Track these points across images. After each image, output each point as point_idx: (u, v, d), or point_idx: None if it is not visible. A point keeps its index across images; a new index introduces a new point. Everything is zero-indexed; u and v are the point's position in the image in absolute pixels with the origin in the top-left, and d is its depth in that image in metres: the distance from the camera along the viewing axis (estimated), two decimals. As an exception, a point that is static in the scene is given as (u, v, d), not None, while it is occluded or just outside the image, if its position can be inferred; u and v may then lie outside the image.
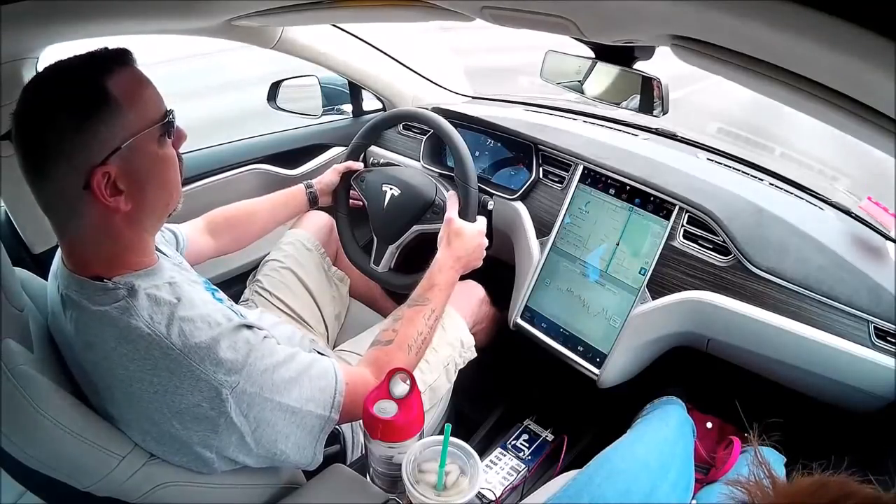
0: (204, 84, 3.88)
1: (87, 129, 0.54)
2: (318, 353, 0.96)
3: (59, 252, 0.63)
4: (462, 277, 1.00)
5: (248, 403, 0.61)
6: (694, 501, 0.80)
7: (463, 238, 0.96)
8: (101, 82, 0.55)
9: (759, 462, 0.39)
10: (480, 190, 1.14)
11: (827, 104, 0.40)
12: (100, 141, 0.55)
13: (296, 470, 0.75)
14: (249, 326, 0.65)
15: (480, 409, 1.29)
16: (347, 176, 1.17)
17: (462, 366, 1.06)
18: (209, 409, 0.58)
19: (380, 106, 1.47)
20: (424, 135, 1.31)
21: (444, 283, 0.90)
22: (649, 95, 0.85)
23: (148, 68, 0.60)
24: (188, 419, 0.58)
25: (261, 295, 1.11)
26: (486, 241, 1.00)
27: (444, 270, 0.91)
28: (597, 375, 1.00)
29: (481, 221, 1.01)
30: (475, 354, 1.08)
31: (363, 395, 0.66)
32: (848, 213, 1.02)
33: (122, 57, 0.58)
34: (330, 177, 1.15)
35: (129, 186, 0.58)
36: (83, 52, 0.58)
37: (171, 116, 0.61)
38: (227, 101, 3.61)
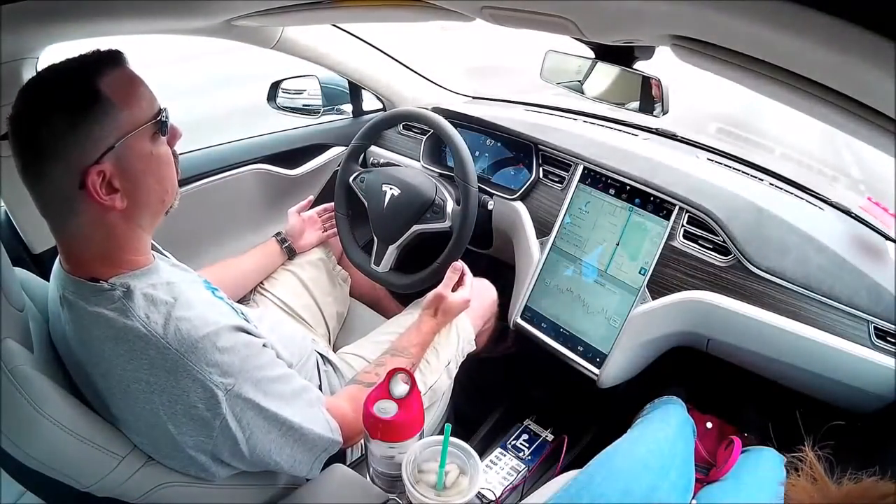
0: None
1: (80, 129, 0.55)
2: (320, 354, 0.97)
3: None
4: (475, 275, 1.08)
5: (242, 409, 0.61)
6: (694, 501, 0.80)
7: (451, 314, 1.01)
8: (94, 83, 0.56)
9: (811, 467, 0.42)
10: (480, 190, 1.14)
11: (827, 104, 0.40)
12: (93, 140, 0.56)
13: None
14: (249, 332, 0.65)
15: (480, 409, 1.29)
16: (347, 177, 1.18)
17: (462, 358, 1.07)
18: (204, 410, 0.58)
19: (380, 106, 1.47)
20: (424, 135, 1.31)
21: (426, 343, 0.98)
22: (649, 95, 0.85)
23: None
24: (184, 421, 0.58)
25: (262, 294, 1.11)
26: (468, 306, 1.04)
27: (427, 334, 0.98)
28: (597, 375, 1.00)
29: (467, 290, 1.04)
30: (475, 347, 1.09)
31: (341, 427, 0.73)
32: (848, 213, 1.02)
33: (114, 58, 0.59)
34: (293, 220, 1.17)
35: (124, 184, 0.58)
36: (76, 54, 0.58)
37: (164, 115, 0.62)
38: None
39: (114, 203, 0.58)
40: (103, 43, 0.61)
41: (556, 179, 1.14)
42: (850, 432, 0.96)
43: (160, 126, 0.61)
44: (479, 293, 1.14)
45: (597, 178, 1.06)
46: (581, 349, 1.04)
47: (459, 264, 1.04)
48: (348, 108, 1.45)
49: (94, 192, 0.56)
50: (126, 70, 0.59)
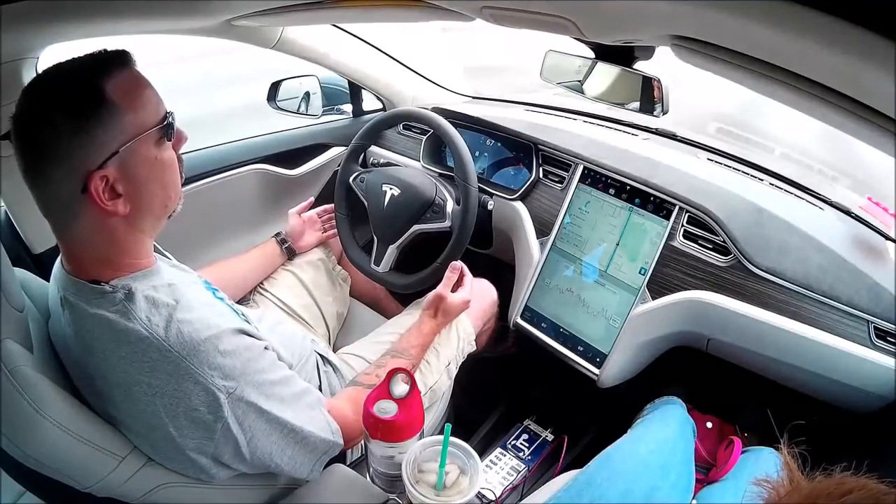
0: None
1: (84, 132, 0.54)
2: (319, 354, 0.97)
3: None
4: (475, 275, 1.07)
5: (244, 412, 0.61)
6: (694, 501, 0.80)
7: (451, 314, 1.01)
8: (99, 85, 0.55)
9: (786, 463, 0.42)
10: (480, 190, 1.14)
11: (827, 104, 0.40)
12: (98, 145, 0.55)
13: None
14: (250, 334, 0.65)
15: (480, 409, 1.29)
16: (347, 177, 1.18)
17: (462, 359, 1.07)
18: (206, 413, 0.58)
19: (380, 106, 1.47)
20: (424, 135, 1.31)
21: (426, 343, 0.97)
22: (649, 95, 0.84)
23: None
24: (185, 423, 0.58)
25: (262, 294, 1.11)
26: (468, 306, 1.03)
27: (427, 335, 0.98)
28: (597, 375, 1.00)
29: (466, 290, 1.03)
30: (475, 347, 1.09)
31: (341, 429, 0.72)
32: (848, 213, 1.02)
33: (120, 58, 0.58)
34: (293, 221, 1.17)
35: (127, 190, 0.57)
36: (82, 53, 0.57)
37: (170, 118, 0.61)
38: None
39: (116, 208, 0.57)
40: (110, 43, 0.60)
41: (556, 179, 1.14)
42: (849, 431, 0.96)
43: (166, 130, 0.60)
44: (479, 293, 1.14)
45: (597, 178, 1.06)
46: (581, 349, 1.04)
47: (458, 264, 1.04)
48: (348, 108, 1.45)
49: (97, 198, 0.55)
50: (133, 72, 0.58)
